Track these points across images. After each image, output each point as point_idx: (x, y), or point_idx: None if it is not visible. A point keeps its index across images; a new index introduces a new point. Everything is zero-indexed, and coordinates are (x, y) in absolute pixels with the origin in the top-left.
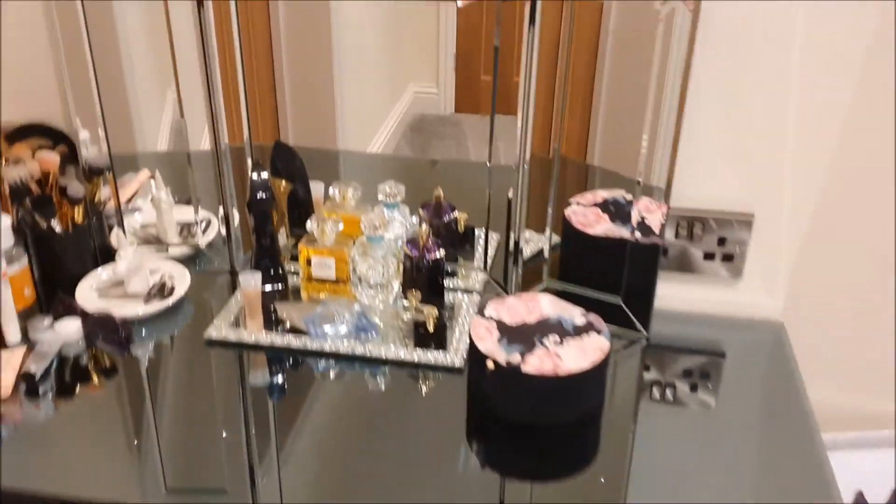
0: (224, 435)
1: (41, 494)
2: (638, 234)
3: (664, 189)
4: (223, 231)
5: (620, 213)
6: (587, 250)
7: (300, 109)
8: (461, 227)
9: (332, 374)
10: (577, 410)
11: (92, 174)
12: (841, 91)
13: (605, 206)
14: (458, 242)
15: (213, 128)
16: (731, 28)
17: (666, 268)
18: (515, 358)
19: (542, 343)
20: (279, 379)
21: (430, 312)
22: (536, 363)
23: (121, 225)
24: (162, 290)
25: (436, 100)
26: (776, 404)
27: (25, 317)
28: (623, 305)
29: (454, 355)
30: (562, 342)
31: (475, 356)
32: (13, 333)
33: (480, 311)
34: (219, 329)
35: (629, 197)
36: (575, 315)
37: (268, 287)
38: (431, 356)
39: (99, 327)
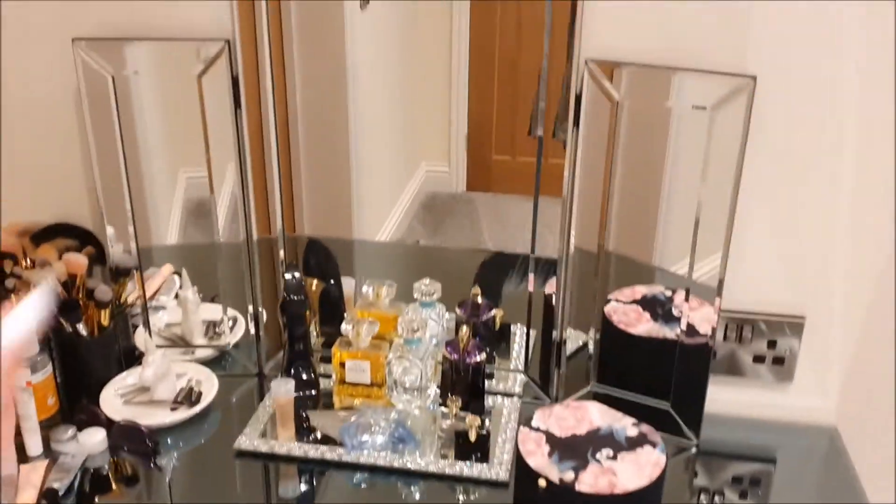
0: None
1: None
2: (684, 336)
3: (715, 287)
4: (251, 329)
5: (661, 311)
6: (630, 351)
7: (316, 196)
8: (497, 325)
9: (367, 488)
10: None
11: (119, 275)
12: (892, 194)
13: (644, 302)
14: (495, 341)
15: (245, 222)
16: (782, 131)
17: (714, 370)
18: (569, 475)
19: (595, 458)
20: (311, 492)
21: (472, 422)
22: (591, 481)
23: (147, 326)
24: (189, 396)
25: (447, 178)
26: None
27: (48, 427)
28: (672, 411)
29: (499, 468)
30: (615, 456)
31: (524, 471)
32: (35, 446)
33: (527, 422)
34: (250, 439)
35: (669, 293)
36: (627, 426)
37: (299, 392)
38: (475, 469)
39: (125, 438)
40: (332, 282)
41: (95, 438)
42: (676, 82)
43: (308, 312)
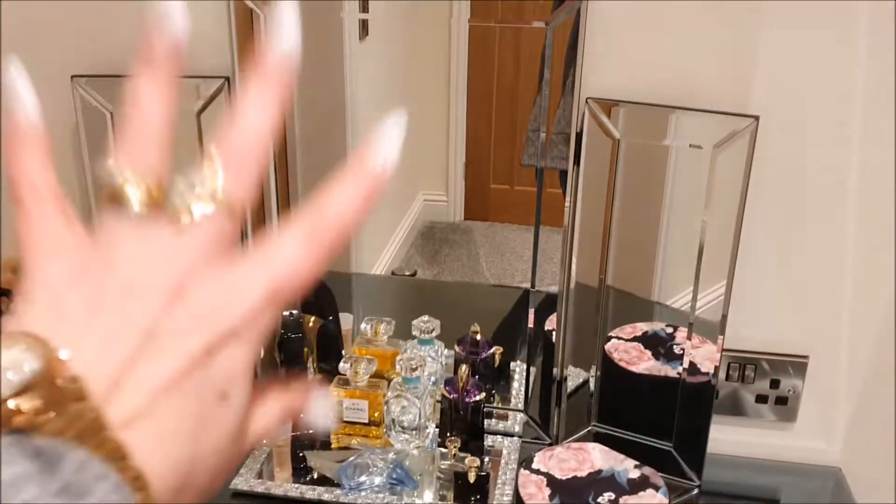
0: None
1: None
2: (686, 375)
3: (717, 324)
4: None
5: (663, 350)
6: (630, 389)
7: None
8: (497, 362)
9: None
10: None
11: None
12: None
13: (646, 340)
14: (495, 379)
15: None
16: (785, 170)
17: (716, 410)
18: None
19: (596, 502)
20: None
21: (471, 464)
22: None
23: None
24: None
25: (445, 207)
26: None
27: None
28: (674, 451)
29: None
30: (617, 500)
31: None
32: None
33: (528, 463)
34: (245, 479)
35: (670, 330)
36: (629, 468)
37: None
38: None
39: None
40: (330, 318)
41: None
42: (674, 121)
43: (306, 350)
